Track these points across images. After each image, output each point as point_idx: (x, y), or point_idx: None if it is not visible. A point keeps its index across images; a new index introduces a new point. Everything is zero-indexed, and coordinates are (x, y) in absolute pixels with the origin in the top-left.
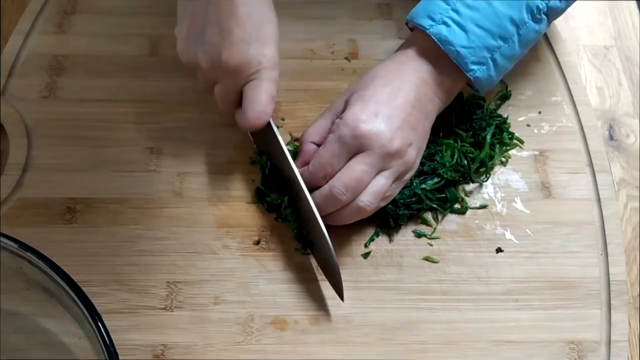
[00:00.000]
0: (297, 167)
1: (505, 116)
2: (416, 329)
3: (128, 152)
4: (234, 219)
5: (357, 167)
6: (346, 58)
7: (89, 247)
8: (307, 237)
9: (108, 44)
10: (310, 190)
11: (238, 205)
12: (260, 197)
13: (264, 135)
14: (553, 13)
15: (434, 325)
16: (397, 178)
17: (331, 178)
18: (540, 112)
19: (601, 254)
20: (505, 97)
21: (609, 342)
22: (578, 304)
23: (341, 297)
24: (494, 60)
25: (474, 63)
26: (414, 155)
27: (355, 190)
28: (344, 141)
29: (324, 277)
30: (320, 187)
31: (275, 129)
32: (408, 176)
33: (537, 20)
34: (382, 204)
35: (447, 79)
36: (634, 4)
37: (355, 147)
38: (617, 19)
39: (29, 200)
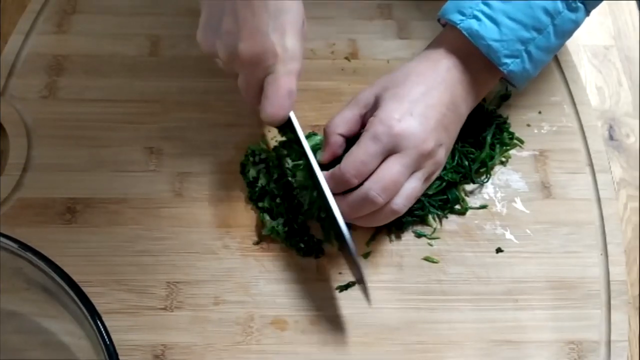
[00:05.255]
0: (325, 159)
1: (505, 116)
2: (416, 329)
3: (128, 152)
4: (234, 219)
5: (394, 168)
6: (346, 58)
7: (89, 247)
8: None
9: (108, 44)
10: (340, 190)
11: (238, 205)
12: (256, 206)
13: (285, 127)
14: (590, 1)
15: (434, 325)
16: (427, 178)
17: (362, 177)
18: (540, 112)
19: (601, 254)
20: (505, 97)
21: (609, 342)
22: (578, 304)
23: (367, 298)
24: (528, 52)
25: (507, 56)
26: (443, 155)
27: (392, 193)
28: (379, 140)
29: (324, 277)
30: (350, 186)
31: (296, 124)
32: (435, 176)
33: (572, 9)
34: (411, 204)
35: (481, 76)
36: (634, 4)
37: (391, 145)
38: (617, 19)
39: (29, 200)
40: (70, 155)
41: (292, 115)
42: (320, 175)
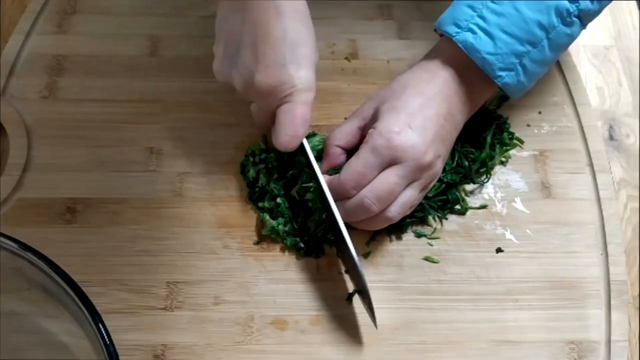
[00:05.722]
0: (323, 170)
1: (505, 116)
2: (416, 329)
3: (128, 152)
4: (234, 219)
5: (390, 179)
6: (346, 58)
7: (89, 247)
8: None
9: (108, 44)
10: (339, 199)
11: (238, 205)
12: (256, 206)
13: (297, 150)
14: (586, 15)
15: (434, 325)
16: (424, 188)
17: (360, 188)
18: (540, 112)
19: (601, 254)
20: (505, 97)
21: (609, 342)
22: (578, 304)
23: (373, 320)
24: (522, 65)
25: (502, 69)
26: (440, 166)
27: (386, 202)
28: (378, 152)
29: (324, 277)
30: (348, 196)
31: (308, 149)
32: (431, 185)
33: (567, 24)
34: (408, 213)
35: (477, 88)
36: (634, 4)
37: (389, 158)
38: (617, 19)
39: (29, 200)
40: (70, 155)
41: (304, 140)
42: (331, 199)
